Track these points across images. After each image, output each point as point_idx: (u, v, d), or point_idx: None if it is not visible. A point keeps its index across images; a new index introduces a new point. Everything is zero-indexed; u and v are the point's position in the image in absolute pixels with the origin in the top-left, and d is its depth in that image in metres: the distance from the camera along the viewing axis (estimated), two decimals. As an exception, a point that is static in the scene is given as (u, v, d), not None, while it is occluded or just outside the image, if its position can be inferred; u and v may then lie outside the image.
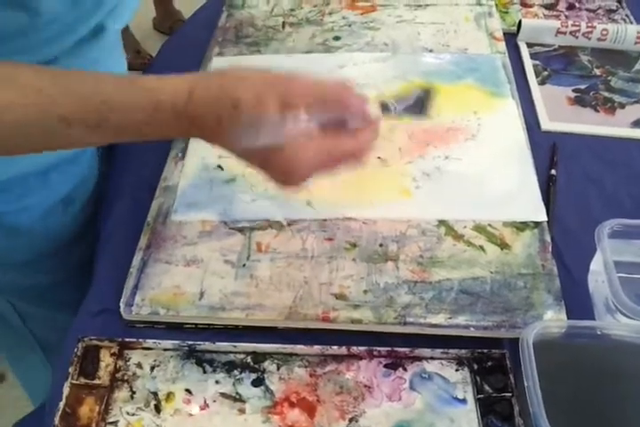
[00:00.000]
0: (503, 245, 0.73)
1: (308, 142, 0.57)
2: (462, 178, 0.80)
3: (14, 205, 0.78)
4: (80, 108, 0.55)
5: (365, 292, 0.70)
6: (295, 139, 0.56)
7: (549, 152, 0.88)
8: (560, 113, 0.93)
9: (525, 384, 0.60)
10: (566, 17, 1.08)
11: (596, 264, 0.72)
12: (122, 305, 0.70)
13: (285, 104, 0.55)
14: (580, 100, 0.95)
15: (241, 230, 0.75)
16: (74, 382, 0.64)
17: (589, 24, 1.02)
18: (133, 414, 0.63)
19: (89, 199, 0.87)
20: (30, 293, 0.90)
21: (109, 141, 0.62)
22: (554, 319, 0.68)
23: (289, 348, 0.67)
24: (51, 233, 0.85)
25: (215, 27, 1.02)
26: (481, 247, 0.73)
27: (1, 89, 0.53)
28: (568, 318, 0.69)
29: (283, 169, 0.59)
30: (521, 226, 0.75)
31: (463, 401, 0.64)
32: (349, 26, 1.02)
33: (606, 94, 0.96)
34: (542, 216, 0.76)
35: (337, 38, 0.99)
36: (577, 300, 0.72)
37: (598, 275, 0.71)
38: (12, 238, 0.81)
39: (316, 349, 0.67)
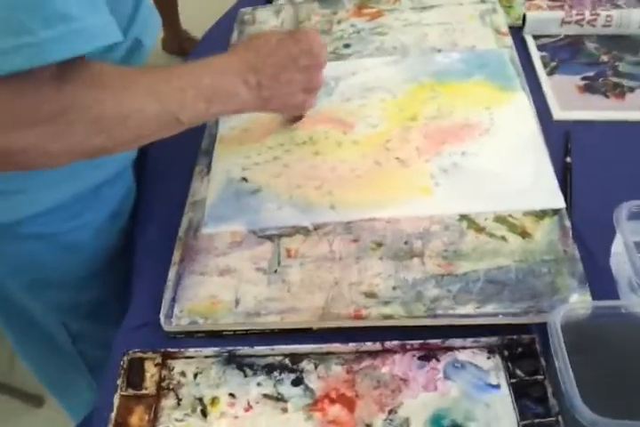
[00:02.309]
0: (524, 234, 0.75)
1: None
2: (480, 172, 0.82)
3: (70, 223, 0.83)
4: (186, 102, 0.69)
5: (394, 288, 0.72)
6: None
7: (563, 141, 0.89)
8: (571, 102, 0.95)
9: (557, 365, 0.62)
10: (570, 7, 1.09)
11: (617, 246, 0.74)
12: (162, 317, 0.73)
13: None
14: (589, 88, 0.97)
15: (270, 238, 0.78)
16: (123, 393, 0.68)
17: (593, 11, 1.04)
18: (181, 420, 0.66)
19: (132, 212, 0.91)
20: (83, 309, 0.95)
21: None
22: (579, 301, 0.70)
23: (325, 347, 0.69)
24: (102, 248, 0.89)
25: (228, 44, 1.06)
26: (503, 238, 0.75)
27: (128, 95, 0.64)
28: (593, 300, 0.70)
29: (307, 47, 0.77)
30: (540, 214, 0.77)
31: (497, 387, 0.66)
32: (358, 33, 1.05)
33: (615, 80, 0.98)
34: (560, 203, 0.78)
35: (347, 46, 1.02)
36: (601, 283, 0.74)
37: (620, 256, 0.73)
38: (68, 257, 0.86)
39: (351, 346, 0.69)
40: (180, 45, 2.62)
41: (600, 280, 0.74)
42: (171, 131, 0.72)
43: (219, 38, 1.08)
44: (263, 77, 0.75)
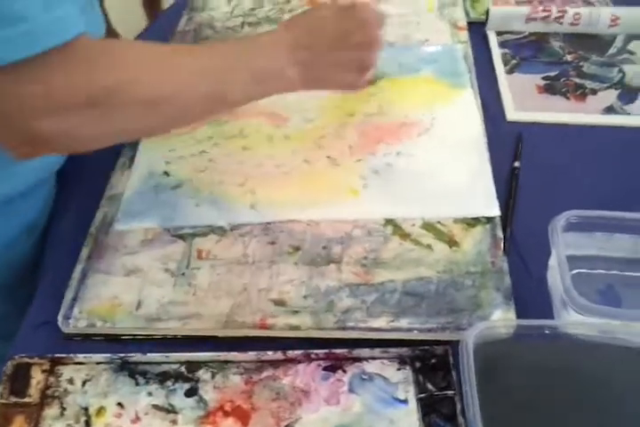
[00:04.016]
0: (452, 243, 0.70)
1: None
2: (413, 174, 0.77)
3: None
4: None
5: (305, 297, 0.67)
6: None
7: (514, 143, 0.84)
8: (528, 102, 0.90)
9: (464, 390, 0.56)
10: (540, 2, 1.03)
11: (553, 260, 0.69)
12: (60, 318, 0.68)
13: None
14: (549, 88, 0.91)
15: (182, 237, 0.73)
16: (3, 401, 0.63)
17: (560, 8, 0.98)
18: (62, 431, 0.61)
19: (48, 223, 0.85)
20: None
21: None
22: (501, 319, 0.64)
23: (223, 355, 0.65)
24: (13, 263, 0.83)
25: (174, 32, 1.01)
26: (428, 246, 0.70)
27: (171, 76, 0.61)
28: (527, 317, 0.65)
29: (361, 23, 0.70)
30: (472, 222, 0.72)
31: (404, 402, 0.62)
32: (309, 23, 0.99)
33: (577, 80, 0.92)
34: (495, 211, 0.73)
35: (295, 36, 0.97)
36: (537, 299, 0.68)
37: (555, 271, 0.68)
38: None
39: (251, 355, 0.64)
40: None
41: (536, 296, 0.68)
42: (219, 110, 0.72)
43: (167, 25, 1.03)
44: (314, 56, 0.69)
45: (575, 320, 0.63)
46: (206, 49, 0.69)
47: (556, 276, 0.67)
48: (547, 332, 0.62)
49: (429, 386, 0.62)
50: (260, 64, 0.67)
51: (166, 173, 0.79)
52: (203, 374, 0.64)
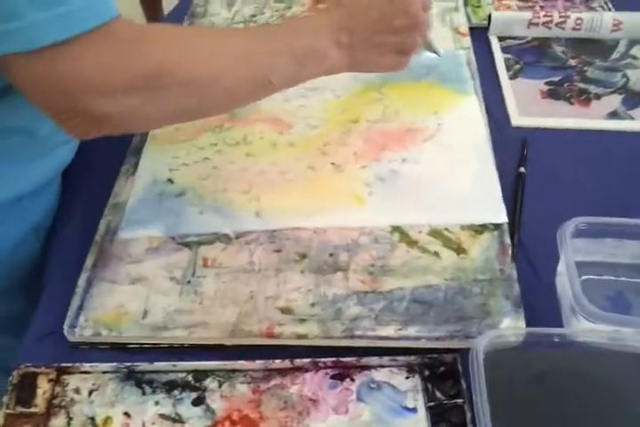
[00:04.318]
0: (459, 250, 0.70)
1: None
2: (419, 181, 0.76)
3: None
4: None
5: (313, 305, 0.67)
6: None
7: (520, 149, 0.84)
8: (532, 107, 0.89)
9: (474, 400, 0.56)
10: (541, 7, 1.04)
11: (562, 266, 0.68)
12: (65, 327, 0.67)
13: None
14: (553, 93, 0.91)
15: (188, 245, 0.73)
16: (8, 411, 0.62)
17: (562, 14, 0.98)
18: (69, 442, 0.61)
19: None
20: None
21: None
22: (510, 327, 0.64)
23: (230, 364, 0.64)
24: (23, 264, 0.82)
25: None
26: (436, 253, 0.70)
27: (218, 58, 0.62)
28: (537, 325, 0.65)
29: (402, 7, 0.69)
30: (480, 229, 0.72)
31: (413, 410, 0.61)
32: (311, 29, 0.99)
33: (581, 85, 0.92)
34: (502, 217, 0.72)
35: (297, 42, 0.96)
36: (547, 304, 0.68)
37: (564, 277, 0.67)
38: None
39: (259, 363, 0.64)
40: None
41: (545, 302, 0.68)
42: (264, 94, 0.70)
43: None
44: (355, 38, 0.69)
45: (585, 328, 0.62)
46: (248, 32, 0.70)
47: (565, 282, 0.66)
48: (556, 340, 0.61)
49: (438, 394, 0.62)
50: (302, 46, 0.67)
51: (170, 181, 0.79)
52: (210, 383, 0.64)
